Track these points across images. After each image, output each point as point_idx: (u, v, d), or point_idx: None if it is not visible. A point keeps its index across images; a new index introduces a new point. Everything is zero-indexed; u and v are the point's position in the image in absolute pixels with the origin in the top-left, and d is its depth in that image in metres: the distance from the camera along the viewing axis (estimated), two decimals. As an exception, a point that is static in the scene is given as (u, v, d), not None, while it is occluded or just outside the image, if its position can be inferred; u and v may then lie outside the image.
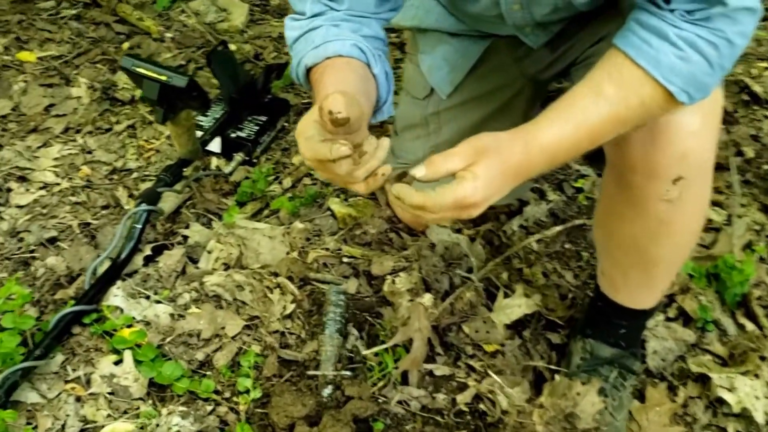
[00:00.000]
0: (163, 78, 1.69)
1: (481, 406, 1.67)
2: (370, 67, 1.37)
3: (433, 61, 1.81)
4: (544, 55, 1.69)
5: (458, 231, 2.03)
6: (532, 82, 1.79)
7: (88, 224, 2.01)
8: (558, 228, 2.10)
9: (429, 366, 1.72)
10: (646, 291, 1.63)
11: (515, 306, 1.85)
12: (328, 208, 2.08)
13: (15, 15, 2.62)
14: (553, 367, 1.76)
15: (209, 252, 1.92)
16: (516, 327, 1.85)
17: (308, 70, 1.37)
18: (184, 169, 2.01)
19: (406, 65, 1.96)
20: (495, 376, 1.71)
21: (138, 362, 1.67)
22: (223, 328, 1.78)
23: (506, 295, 1.89)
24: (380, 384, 1.68)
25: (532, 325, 1.85)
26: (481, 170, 1.12)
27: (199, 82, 1.84)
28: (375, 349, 1.72)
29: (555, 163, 1.23)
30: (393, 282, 1.89)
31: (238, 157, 2.16)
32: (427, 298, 1.80)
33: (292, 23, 1.42)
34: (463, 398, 1.68)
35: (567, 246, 2.07)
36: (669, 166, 1.36)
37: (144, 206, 1.89)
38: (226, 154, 2.19)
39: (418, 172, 1.13)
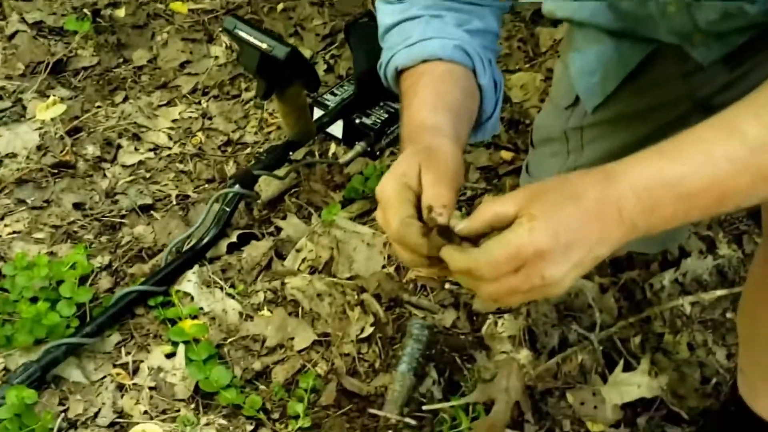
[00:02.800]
0: (264, 46, 1.50)
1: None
2: (477, 76, 1.13)
3: (585, 63, 1.44)
4: (720, 73, 1.29)
5: (588, 277, 1.69)
6: (701, 107, 1.41)
7: (187, 197, 1.89)
8: (721, 292, 1.68)
9: (512, 434, 1.44)
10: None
11: (633, 385, 1.51)
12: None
13: (178, -38, 2.55)
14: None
15: (298, 251, 1.73)
16: (634, 408, 1.52)
17: (399, 72, 1.15)
18: (291, 153, 1.82)
19: (556, 65, 1.62)
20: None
21: (190, 360, 1.53)
22: (291, 339, 1.60)
23: (628, 367, 1.55)
24: (447, 443, 1.43)
25: (652, 411, 1.51)
26: (538, 209, 0.81)
27: (304, 55, 1.63)
28: (449, 404, 1.47)
29: (658, 217, 0.86)
30: (495, 324, 1.62)
31: (359, 146, 1.95)
32: (524, 355, 1.52)
33: (384, 7, 1.18)
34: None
35: (728, 316, 1.66)
36: None
37: (236, 188, 1.73)
38: (348, 141, 1.98)
39: (459, 223, 0.86)
